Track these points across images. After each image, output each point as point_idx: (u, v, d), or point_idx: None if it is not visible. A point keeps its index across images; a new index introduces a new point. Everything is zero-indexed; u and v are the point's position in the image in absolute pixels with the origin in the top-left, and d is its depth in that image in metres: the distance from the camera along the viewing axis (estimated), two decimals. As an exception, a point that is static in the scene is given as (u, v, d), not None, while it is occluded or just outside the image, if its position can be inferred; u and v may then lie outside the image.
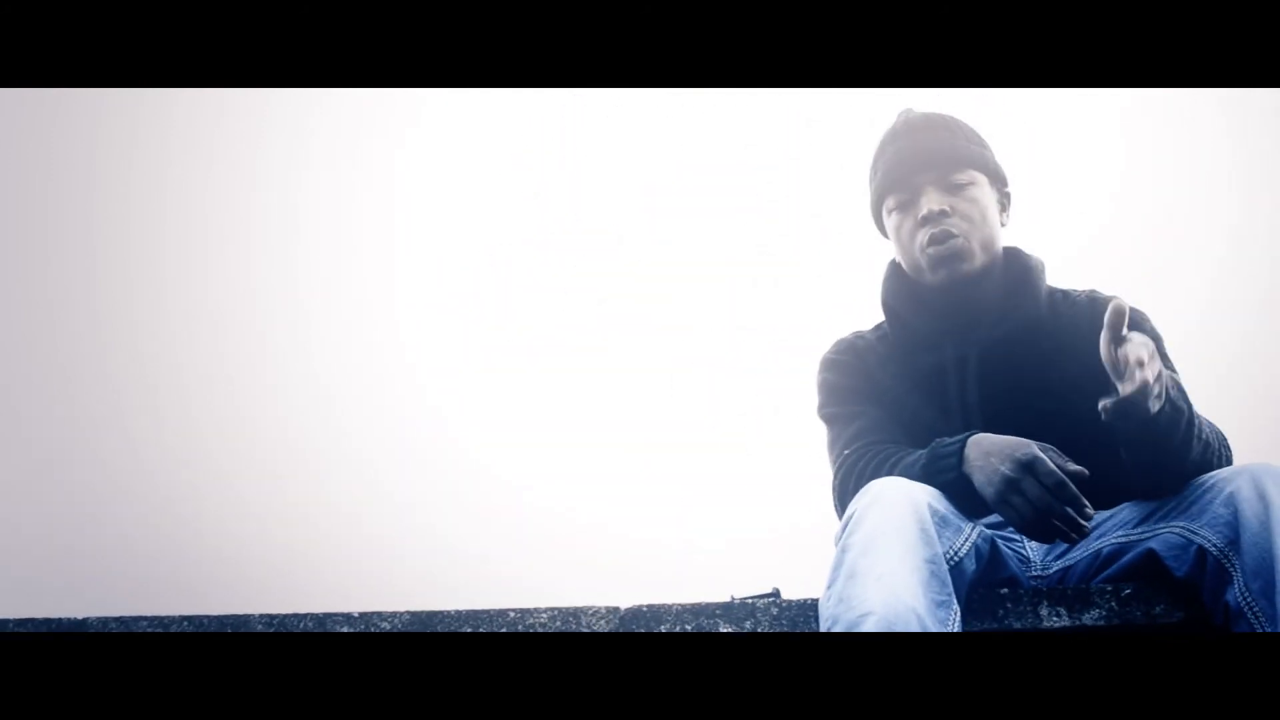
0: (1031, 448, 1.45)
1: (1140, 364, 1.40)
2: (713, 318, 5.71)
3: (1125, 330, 1.44)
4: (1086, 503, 1.42)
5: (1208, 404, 1.65)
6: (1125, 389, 1.40)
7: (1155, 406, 1.42)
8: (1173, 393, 1.49)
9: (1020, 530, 1.47)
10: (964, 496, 1.51)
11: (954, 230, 1.76)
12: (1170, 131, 4.99)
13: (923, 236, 1.78)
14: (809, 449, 1.91)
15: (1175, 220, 5.08)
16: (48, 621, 1.58)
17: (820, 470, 1.83)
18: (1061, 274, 1.92)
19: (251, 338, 5.77)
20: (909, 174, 1.81)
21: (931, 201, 1.78)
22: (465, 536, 5.29)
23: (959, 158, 1.81)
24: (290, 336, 5.78)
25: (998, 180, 1.87)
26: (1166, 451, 1.51)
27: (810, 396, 1.91)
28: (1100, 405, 1.43)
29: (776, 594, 1.62)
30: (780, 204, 5.67)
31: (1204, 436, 1.55)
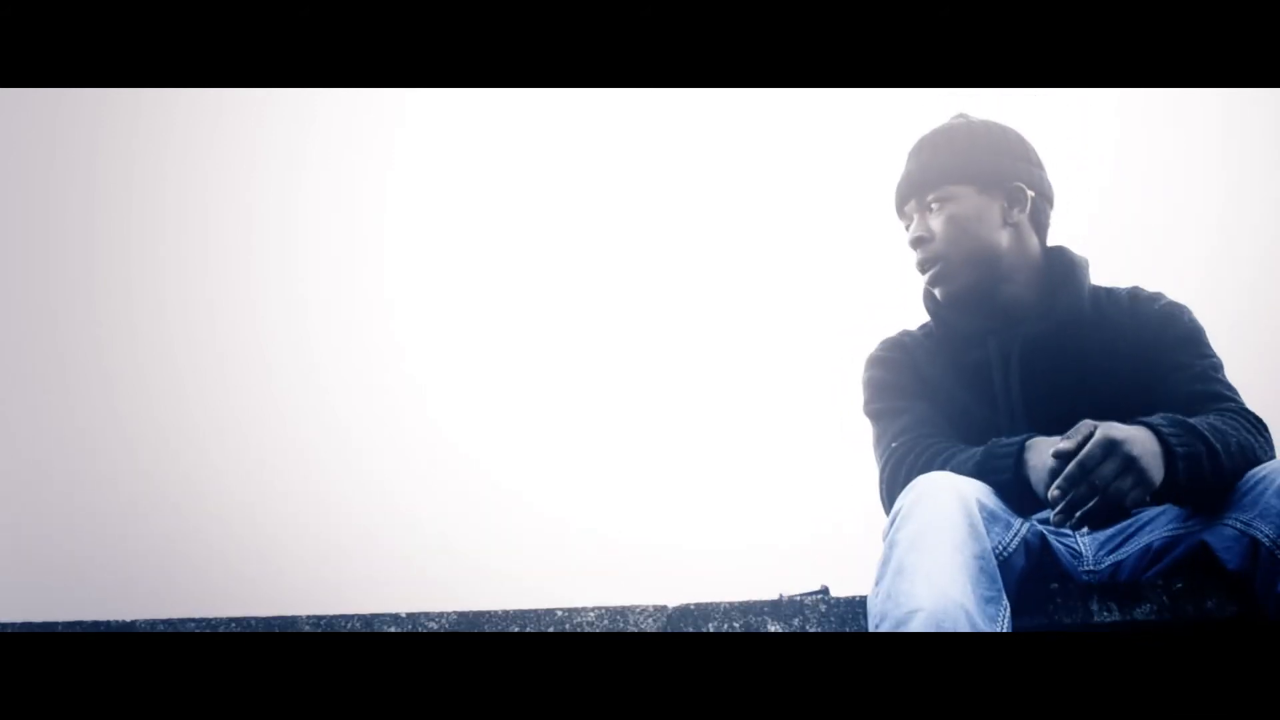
0: (1076, 434, 1.45)
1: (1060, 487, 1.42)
2: (759, 314, 5.68)
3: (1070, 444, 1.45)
4: (1147, 477, 1.42)
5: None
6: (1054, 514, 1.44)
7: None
8: (1176, 441, 1.46)
9: (1073, 522, 1.44)
10: (1017, 495, 1.50)
11: (932, 253, 1.84)
12: (1169, 131, 4.99)
13: (916, 260, 1.87)
14: (855, 445, 1.92)
15: (1172, 219, 5.08)
16: (96, 624, 1.57)
17: (865, 466, 1.83)
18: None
19: (248, 337, 5.77)
20: (901, 204, 1.92)
21: (914, 228, 1.87)
22: (506, 542, 5.28)
23: (933, 176, 1.86)
24: (283, 334, 5.78)
25: (994, 184, 1.84)
26: (1204, 491, 1.50)
27: (853, 392, 1.91)
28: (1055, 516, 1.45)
29: (825, 591, 1.61)
30: (777, 203, 5.67)
31: (1234, 446, 1.52)
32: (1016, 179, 1.85)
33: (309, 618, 1.57)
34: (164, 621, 1.57)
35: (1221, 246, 4.96)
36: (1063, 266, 1.83)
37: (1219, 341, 1.78)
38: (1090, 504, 1.39)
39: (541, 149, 5.75)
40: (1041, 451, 1.48)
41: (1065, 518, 1.41)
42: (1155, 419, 1.48)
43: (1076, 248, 1.88)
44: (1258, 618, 1.44)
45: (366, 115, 5.60)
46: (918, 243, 1.84)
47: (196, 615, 1.60)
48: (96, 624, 1.57)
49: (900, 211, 1.91)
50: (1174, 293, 1.84)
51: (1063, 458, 1.42)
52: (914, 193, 1.86)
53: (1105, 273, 1.88)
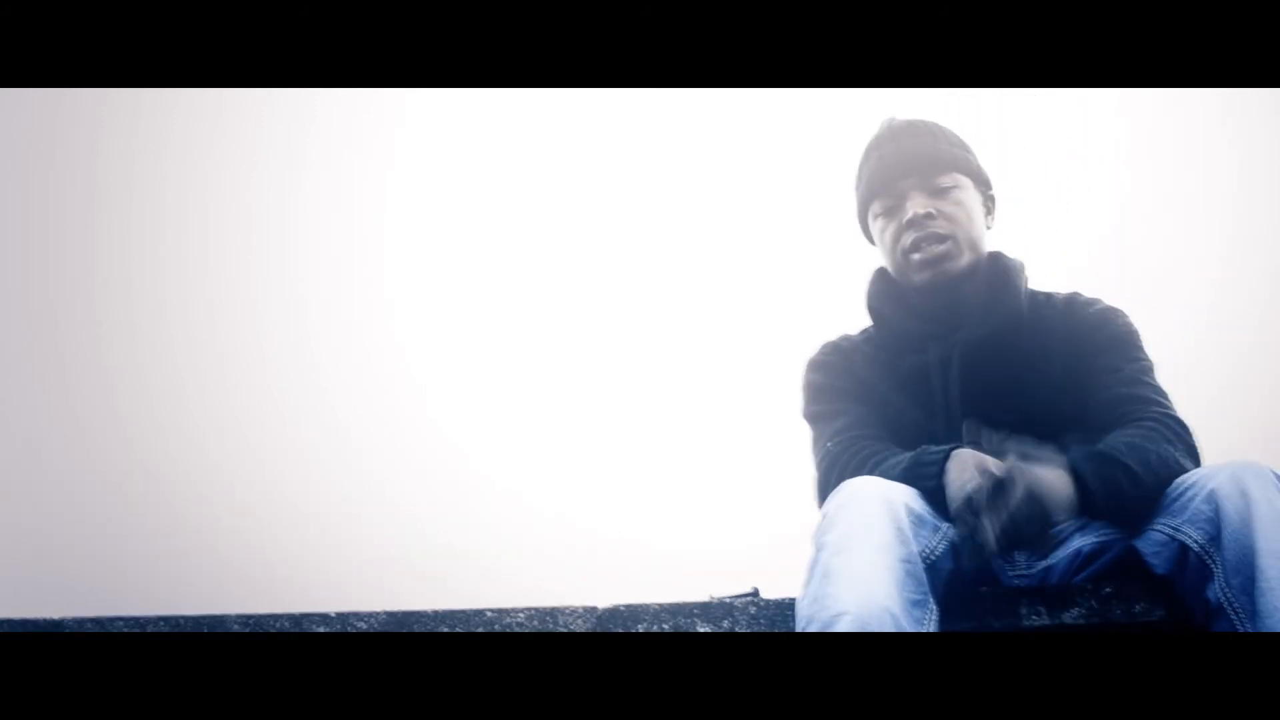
0: (996, 472, 1.44)
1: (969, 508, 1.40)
2: (694, 319, 5.71)
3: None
4: (1052, 521, 1.43)
5: (1210, 406, 1.65)
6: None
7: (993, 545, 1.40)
8: (1087, 469, 1.48)
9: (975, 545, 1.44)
10: (943, 502, 1.51)
11: (940, 231, 1.80)
12: (1170, 132, 4.99)
13: (908, 239, 1.82)
14: (791, 448, 1.92)
15: (1173, 221, 5.08)
16: (23, 622, 1.56)
17: (802, 468, 1.83)
18: (1056, 276, 1.92)
19: (248, 337, 5.77)
20: (893, 179, 1.85)
21: (917, 205, 1.82)
22: (442, 533, 5.29)
23: (942, 161, 1.85)
24: (283, 334, 5.78)
25: (981, 183, 1.90)
26: (1130, 509, 1.51)
27: (792, 396, 1.92)
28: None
29: (755, 593, 1.62)
30: (767, 205, 5.67)
31: (1154, 459, 1.52)
32: (990, 187, 1.90)
33: (237, 616, 1.56)
34: (92, 620, 1.55)
35: (1223, 247, 4.96)
36: (1000, 270, 1.85)
37: (1222, 342, 1.79)
38: (996, 533, 1.40)
39: (541, 149, 5.75)
40: (964, 465, 1.48)
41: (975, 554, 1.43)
42: (1073, 454, 1.50)
43: (1075, 247, 1.89)
44: (1184, 621, 1.43)
45: (366, 115, 5.60)
46: (926, 219, 1.80)
47: (195, 613, 1.59)
48: (24, 622, 1.55)
49: (887, 191, 1.84)
50: (1175, 293, 1.85)
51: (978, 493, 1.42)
52: (916, 171, 1.82)
53: (1103, 272, 1.89)
